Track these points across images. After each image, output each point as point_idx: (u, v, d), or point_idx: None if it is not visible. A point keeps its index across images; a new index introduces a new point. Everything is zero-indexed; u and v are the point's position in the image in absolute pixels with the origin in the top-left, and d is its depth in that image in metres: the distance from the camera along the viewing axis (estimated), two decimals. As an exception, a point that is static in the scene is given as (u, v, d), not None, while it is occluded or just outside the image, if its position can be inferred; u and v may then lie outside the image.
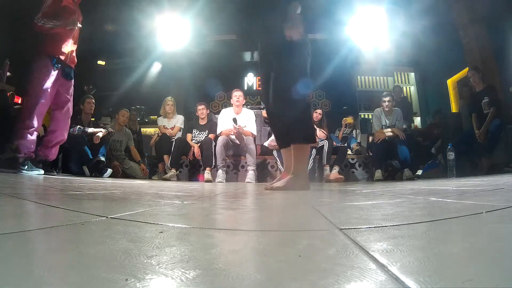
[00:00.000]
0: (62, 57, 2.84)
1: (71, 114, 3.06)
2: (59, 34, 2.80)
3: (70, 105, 2.99)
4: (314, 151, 3.68)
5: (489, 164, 3.41)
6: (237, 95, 4.16)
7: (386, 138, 3.85)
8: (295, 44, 1.78)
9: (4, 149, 2.96)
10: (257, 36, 2.03)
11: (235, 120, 3.90)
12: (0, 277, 0.31)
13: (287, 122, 1.84)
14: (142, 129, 5.30)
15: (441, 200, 1.15)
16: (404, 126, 4.14)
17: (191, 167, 4.40)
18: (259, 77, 2.13)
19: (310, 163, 3.64)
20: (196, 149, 3.96)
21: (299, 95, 1.77)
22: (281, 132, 1.98)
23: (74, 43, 2.99)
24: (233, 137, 3.90)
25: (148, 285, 0.30)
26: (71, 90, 2.99)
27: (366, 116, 6.47)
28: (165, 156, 4.13)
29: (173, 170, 3.82)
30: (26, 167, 2.70)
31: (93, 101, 3.91)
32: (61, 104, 2.91)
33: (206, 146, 3.88)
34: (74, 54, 2.98)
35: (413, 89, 6.93)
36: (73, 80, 2.99)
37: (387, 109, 4.06)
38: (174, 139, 4.12)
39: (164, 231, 0.56)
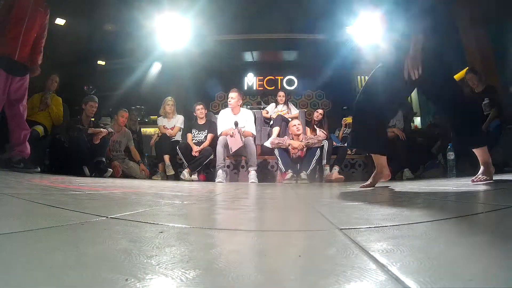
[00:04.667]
0: (8, 54, 2.69)
1: (26, 109, 2.94)
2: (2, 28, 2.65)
3: (24, 101, 2.88)
4: (318, 151, 3.67)
5: (489, 164, 3.40)
6: (230, 97, 4.15)
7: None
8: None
9: (4, 149, 2.97)
10: None
11: (236, 124, 3.89)
12: (0, 277, 0.31)
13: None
14: (142, 129, 5.30)
15: (441, 200, 1.15)
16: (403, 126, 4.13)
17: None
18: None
19: (313, 163, 3.64)
20: (194, 153, 3.99)
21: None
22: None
23: (28, 39, 2.81)
24: (230, 140, 3.88)
25: (148, 285, 0.30)
26: (25, 86, 2.85)
27: (366, 116, 6.45)
28: (165, 156, 4.13)
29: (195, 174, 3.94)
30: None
31: (97, 105, 3.90)
32: (15, 101, 2.79)
33: (202, 154, 3.93)
34: (28, 50, 2.83)
35: (413, 89, 6.93)
36: (27, 76, 2.86)
37: (387, 109, 4.05)
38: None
39: (164, 231, 0.56)
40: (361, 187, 2.05)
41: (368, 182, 2.07)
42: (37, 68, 2.97)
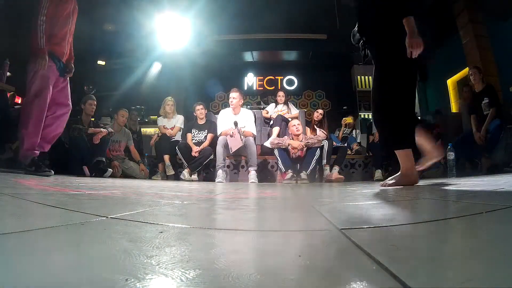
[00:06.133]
0: (58, 53, 2.62)
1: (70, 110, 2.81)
2: (54, 27, 2.56)
3: (69, 103, 2.75)
4: (318, 151, 3.67)
5: (489, 164, 3.40)
6: (231, 96, 4.15)
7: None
8: None
9: (4, 149, 2.96)
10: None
11: (236, 123, 3.90)
12: (0, 277, 0.31)
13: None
14: (142, 129, 5.30)
15: (441, 200, 1.15)
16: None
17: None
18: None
19: (313, 163, 3.63)
20: (194, 153, 3.99)
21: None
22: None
23: (71, 41, 2.74)
24: (230, 140, 3.88)
25: (148, 285, 0.30)
26: (67, 88, 2.75)
27: (366, 116, 6.47)
28: (165, 156, 4.13)
29: (195, 175, 3.94)
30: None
31: (95, 102, 3.88)
32: (58, 103, 2.67)
33: (202, 154, 3.94)
34: (67, 50, 2.74)
35: (413, 89, 6.93)
36: (68, 78, 2.75)
37: (387, 109, 4.05)
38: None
39: (164, 231, 0.56)
40: (382, 185, 1.94)
41: (391, 181, 1.92)
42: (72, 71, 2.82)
